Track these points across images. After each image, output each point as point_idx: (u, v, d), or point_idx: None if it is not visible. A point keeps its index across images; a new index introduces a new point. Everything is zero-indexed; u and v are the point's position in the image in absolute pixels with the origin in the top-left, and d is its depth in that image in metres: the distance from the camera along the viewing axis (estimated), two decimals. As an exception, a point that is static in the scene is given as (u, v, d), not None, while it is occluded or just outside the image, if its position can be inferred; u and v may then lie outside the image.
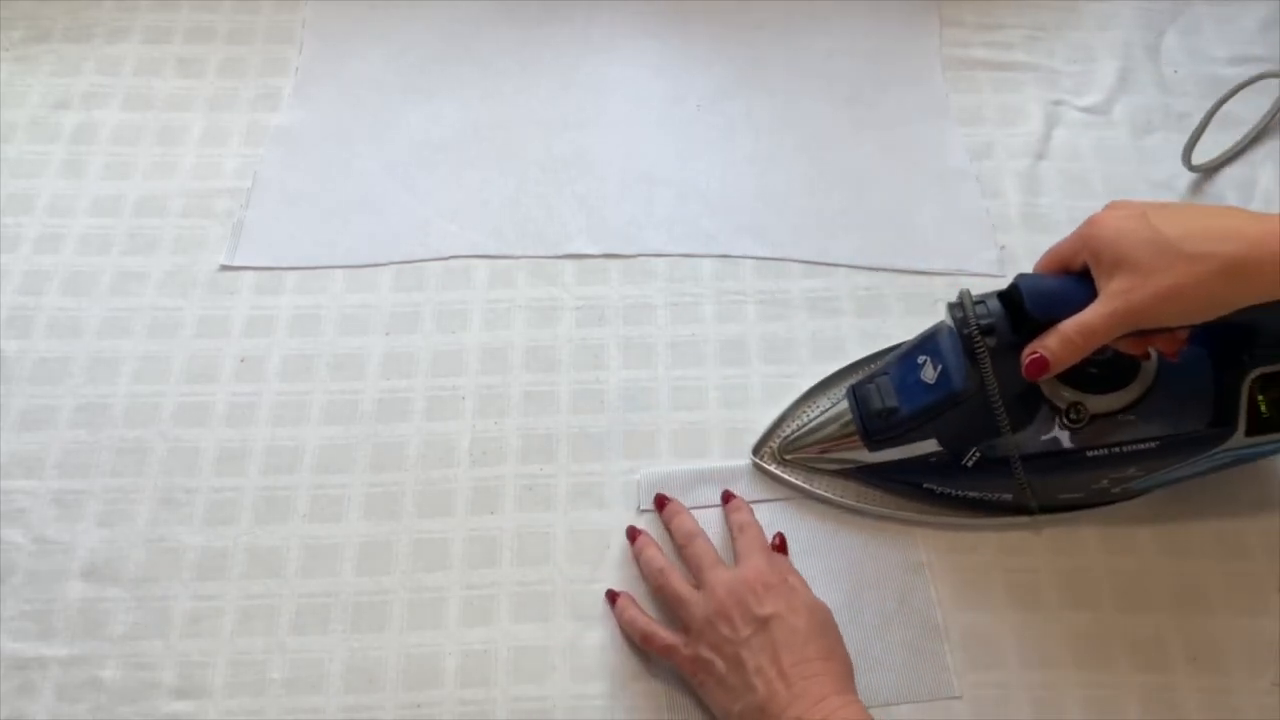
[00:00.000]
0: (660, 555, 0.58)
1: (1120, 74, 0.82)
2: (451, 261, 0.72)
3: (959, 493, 0.60)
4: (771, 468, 0.63)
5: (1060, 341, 0.51)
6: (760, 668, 0.50)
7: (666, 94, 0.82)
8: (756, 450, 0.64)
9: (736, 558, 0.57)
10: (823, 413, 0.63)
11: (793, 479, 0.62)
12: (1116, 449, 0.57)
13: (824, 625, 0.53)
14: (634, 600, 0.58)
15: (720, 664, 0.51)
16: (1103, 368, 0.57)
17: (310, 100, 0.81)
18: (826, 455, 0.62)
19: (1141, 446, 0.56)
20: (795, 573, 0.56)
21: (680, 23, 0.86)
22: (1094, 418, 0.57)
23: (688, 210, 0.75)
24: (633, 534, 0.60)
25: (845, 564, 0.60)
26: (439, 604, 0.59)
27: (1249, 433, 0.56)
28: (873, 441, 0.59)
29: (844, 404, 0.61)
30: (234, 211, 0.75)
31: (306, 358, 0.68)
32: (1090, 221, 0.53)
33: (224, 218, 0.74)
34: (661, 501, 0.61)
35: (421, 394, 0.66)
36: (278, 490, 0.63)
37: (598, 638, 0.58)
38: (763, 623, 0.51)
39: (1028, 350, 0.52)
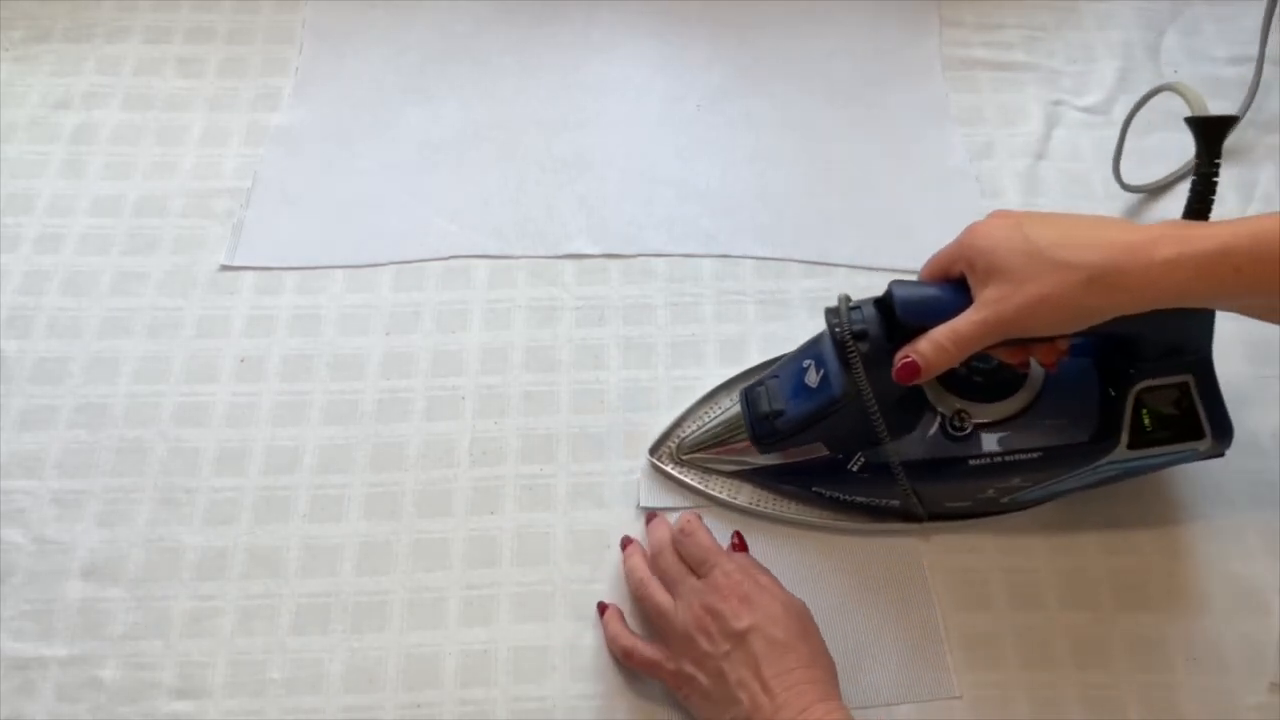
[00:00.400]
0: (642, 565, 0.58)
1: (1120, 74, 0.82)
2: (451, 261, 0.72)
3: (847, 497, 0.60)
4: (668, 468, 0.63)
5: (932, 347, 0.51)
6: (743, 681, 0.50)
7: (666, 94, 0.82)
8: (654, 450, 0.63)
9: (694, 566, 0.56)
10: (720, 414, 0.63)
11: (688, 480, 0.62)
12: (999, 459, 0.56)
13: (803, 630, 0.52)
14: (620, 615, 0.57)
15: (703, 678, 0.51)
16: (988, 377, 0.57)
17: (310, 100, 0.81)
18: (722, 457, 0.62)
19: (1024, 457, 0.56)
20: (762, 570, 0.55)
21: (680, 23, 0.86)
22: (978, 426, 0.57)
23: (688, 210, 0.75)
24: (624, 543, 0.60)
25: (846, 564, 0.60)
26: (439, 604, 0.59)
27: (1132, 446, 0.56)
28: (761, 444, 0.59)
29: (738, 406, 0.61)
30: (234, 211, 0.75)
31: (306, 358, 0.68)
32: (969, 230, 0.53)
33: (224, 218, 0.74)
34: (650, 516, 0.61)
35: (421, 394, 0.67)
36: (278, 490, 0.63)
37: (597, 638, 0.58)
38: (740, 637, 0.51)
39: (899, 354, 0.52)
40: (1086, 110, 0.80)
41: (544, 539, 0.61)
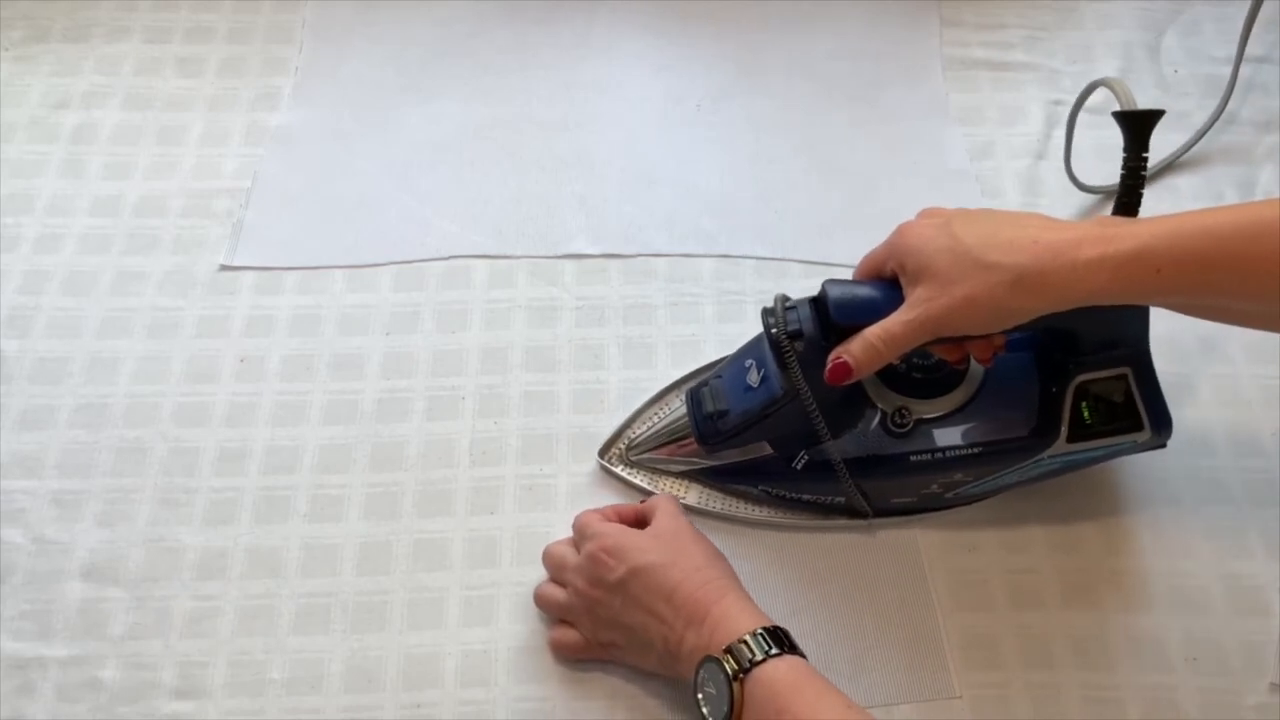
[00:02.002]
0: (553, 555, 0.58)
1: (1120, 74, 0.82)
2: (451, 261, 0.72)
3: (794, 495, 0.60)
4: (618, 469, 0.63)
5: (863, 347, 0.51)
6: (644, 623, 0.52)
7: (666, 94, 0.82)
8: (603, 452, 0.64)
9: (579, 549, 0.57)
10: (668, 415, 0.63)
11: (637, 481, 0.62)
12: (940, 454, 0.57)
13: (676, 544, 0.54)
14: (559, 622, 0.58)
15: (618, 637, 0.54)
16: (927, 373, 0.58)
17: (310, 100, 0.81)
18: (670, 457, 0.62)
19: (965, 452, 0.57)
20: (615, 516, 0.57)
21: (680, 23, 0.86)
22: (919, 422, 0.57)
23: (688, 210, 0.75)
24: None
25: (846, 564, 0.60)
26: (439, 604, 0.59)
27: (1071, 439, 0.56)
28: (706, 444, 0.60)
29: (685, 407, 0.62)
30: (234, 211, 0.75)
31: (306, 358, 0.68)
32: (899, 230, 0.53)
33: (224, 218, 0.74)
34: None
35: (421, 394, 0.66)
36: (278, 490, 0.63)
37: (598, 638, 0.58)
38: (621, 585, 0.52)
39: (832, 355, 0.53)
40: (1086, 110, 0.80)
41: (543, 539, 0.61)
